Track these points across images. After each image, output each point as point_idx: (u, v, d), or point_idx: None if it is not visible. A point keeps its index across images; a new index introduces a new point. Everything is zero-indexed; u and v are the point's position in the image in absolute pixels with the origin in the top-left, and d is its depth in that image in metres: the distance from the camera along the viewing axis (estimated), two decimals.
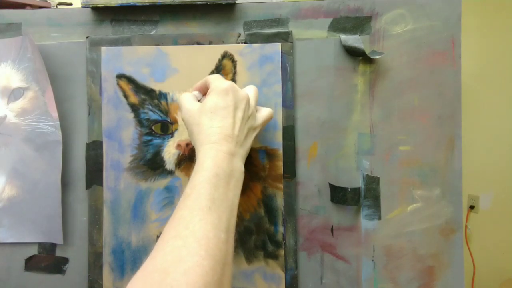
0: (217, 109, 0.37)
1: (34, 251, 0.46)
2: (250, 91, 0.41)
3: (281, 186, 0.45)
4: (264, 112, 0.42)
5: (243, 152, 0.38)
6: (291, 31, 0.45)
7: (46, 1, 0.54)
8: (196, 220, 0.31)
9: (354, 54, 0.45)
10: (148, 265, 0.29)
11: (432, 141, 0.45)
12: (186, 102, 0.40)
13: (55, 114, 0.45)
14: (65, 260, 0.46)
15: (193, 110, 0.39)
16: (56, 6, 0.60)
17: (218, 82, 0.39)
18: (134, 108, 0.46)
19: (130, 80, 0.46)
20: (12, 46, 0.45)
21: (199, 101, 0.42)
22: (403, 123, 0.46)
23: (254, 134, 0.40)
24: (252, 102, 0.40)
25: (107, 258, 0.45)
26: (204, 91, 0.42)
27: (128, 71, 0.46)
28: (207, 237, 0.30)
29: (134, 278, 0.28)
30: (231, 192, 0.35)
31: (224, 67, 0.45)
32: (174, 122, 0.45)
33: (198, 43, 0.46)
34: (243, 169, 0.38)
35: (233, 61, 0.45)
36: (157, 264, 0.28)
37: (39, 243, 0.46)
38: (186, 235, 0.30)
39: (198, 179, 0.34)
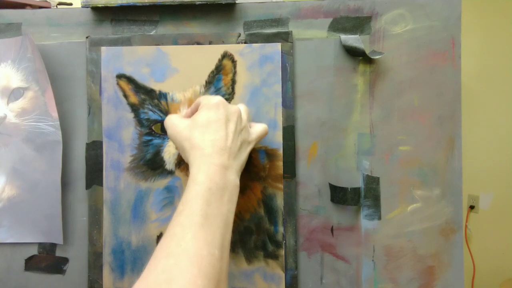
0: (209, 123, 0.37)
1: (34, 251, 0.46)
2: (241, 107, 0.41)
3: (281, 186, 0.45)
4: (258, 128, 0.42)
5: (237, 165, 0.38)
6: (291, 31, 0.45)
7: (46, 1, 0.54)
8: (189, 237, 0.30)
9: (354, 54, 0.45)
10: (140, 285, 0.28)
11: (432, 141, 0.45)
12: (173, 119, 0.40)
13: (55, 114, 0.45)
14: (65, 260, 0.46)
15: (181, 125, 0.38)
16: (56, 6, 0.60)
17: (207, 98, 0.39)
18: (134, 108, 0.46)
19: (130, 80, 0.46)
20: (12, 46, 0.45)
21: None
22: (403, 123, 0.46)
23: (248, 148, 0.40)
24: (244, 116, 0.40)
25: (107, 258, 0.45)
26: None
27: (128, 71, 0.46)
28: (200, 255, 0.29)
29: None
30: (225, 207, 0.34)
31: (224, 67, 0.45)
32: None
33: (198, 43, 0.46)
34: (237, 182, 0.37)
35: (233, 61, 0.45)
36: (149, 284, 0.28)
37: (39, 243, 0.46)
38: (178, 253, 0.29)
39: (190, 194, 0.33)
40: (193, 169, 0.35)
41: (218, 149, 0.36)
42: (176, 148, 0.44)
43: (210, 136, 0.37)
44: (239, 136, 0.38)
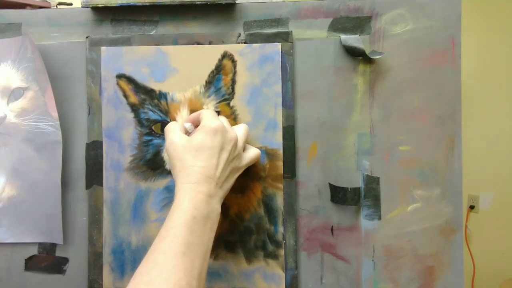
0: (203, 148, 0.37)
1: (34, 251, 0.46)
2: (240, 131, 0.41)
3: (281, 186, 0.45)
4: (250, 153, 0.42)
5: (222, 193, 0.39)
6: (291, 31, 0.45)
7: (46, 1, 0.54)
8: (170, 266, 0.31)
9: (354, 54, 0.45)
10: None
11: (432, 141, 0.45)
12: (173, 133, 0.39)
13: (55, 114, 0.45)
14: (65, 260, 0.46)
15: (178, 144, 0.38)
16: (56, 6, 0.60)
17: (209, 120, 0.39)
18: (134, 108, 0.46)
19: (130, 80, 0.46)
20: (12, 46, 0.45)
21: (189, 133, 0.41)
22: (403, 123, 0.46)
23: (236, 175, 0.41)
24: (240, 143, 0.40)
25: (107, 258, 0.45)
26: (196, 124, 0.42)
27: (128, 71, 0.46)
28: (179, 285, 0.31)
29: None
30: (206, 235, 0.35)
31: (224, 67, 0.45)
32: None
33: (198, 43, 0.46)
34: (219, 210, 0.38)
35: (233, 61, 0.45)
36: None
37: (39, 243, 0.46)
38: (159, 282, 0.31)
39: (174, 221, 0.34)
40: (179, 194, 0.36)
41: (206, 177, 0.37)
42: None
43: (201, 163, 0.37)
44: (230, 165, 0.39)
